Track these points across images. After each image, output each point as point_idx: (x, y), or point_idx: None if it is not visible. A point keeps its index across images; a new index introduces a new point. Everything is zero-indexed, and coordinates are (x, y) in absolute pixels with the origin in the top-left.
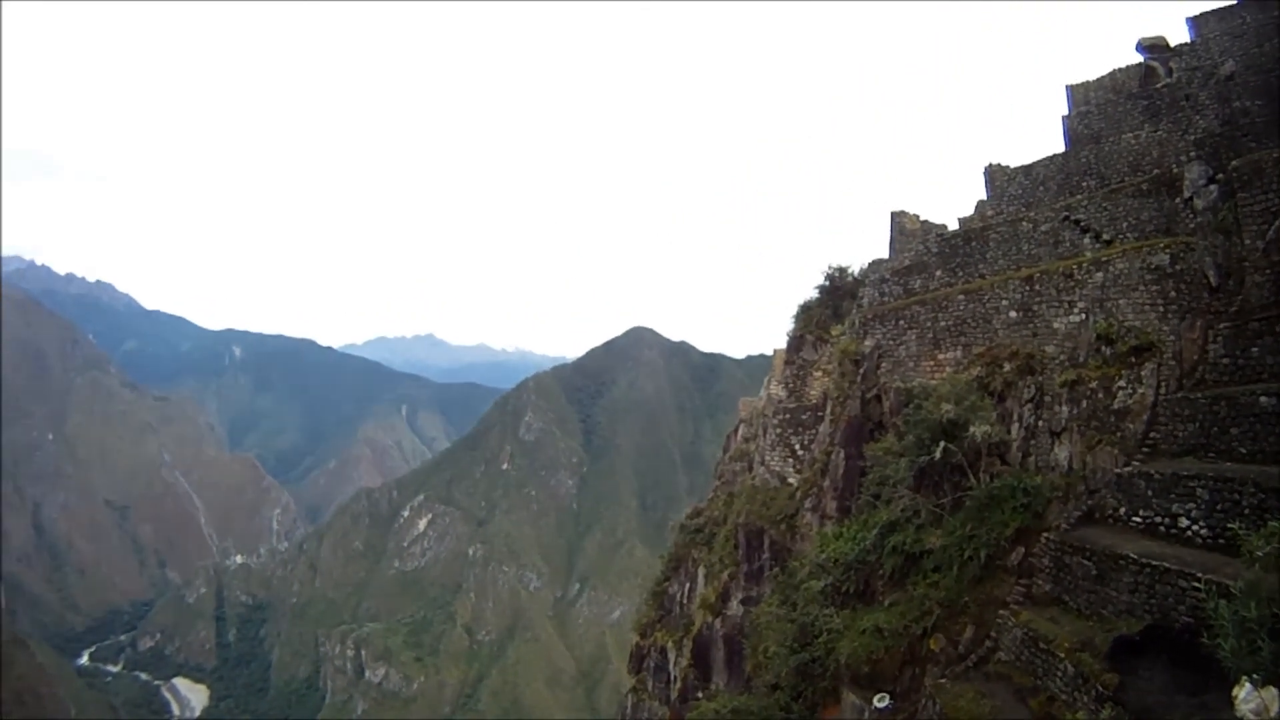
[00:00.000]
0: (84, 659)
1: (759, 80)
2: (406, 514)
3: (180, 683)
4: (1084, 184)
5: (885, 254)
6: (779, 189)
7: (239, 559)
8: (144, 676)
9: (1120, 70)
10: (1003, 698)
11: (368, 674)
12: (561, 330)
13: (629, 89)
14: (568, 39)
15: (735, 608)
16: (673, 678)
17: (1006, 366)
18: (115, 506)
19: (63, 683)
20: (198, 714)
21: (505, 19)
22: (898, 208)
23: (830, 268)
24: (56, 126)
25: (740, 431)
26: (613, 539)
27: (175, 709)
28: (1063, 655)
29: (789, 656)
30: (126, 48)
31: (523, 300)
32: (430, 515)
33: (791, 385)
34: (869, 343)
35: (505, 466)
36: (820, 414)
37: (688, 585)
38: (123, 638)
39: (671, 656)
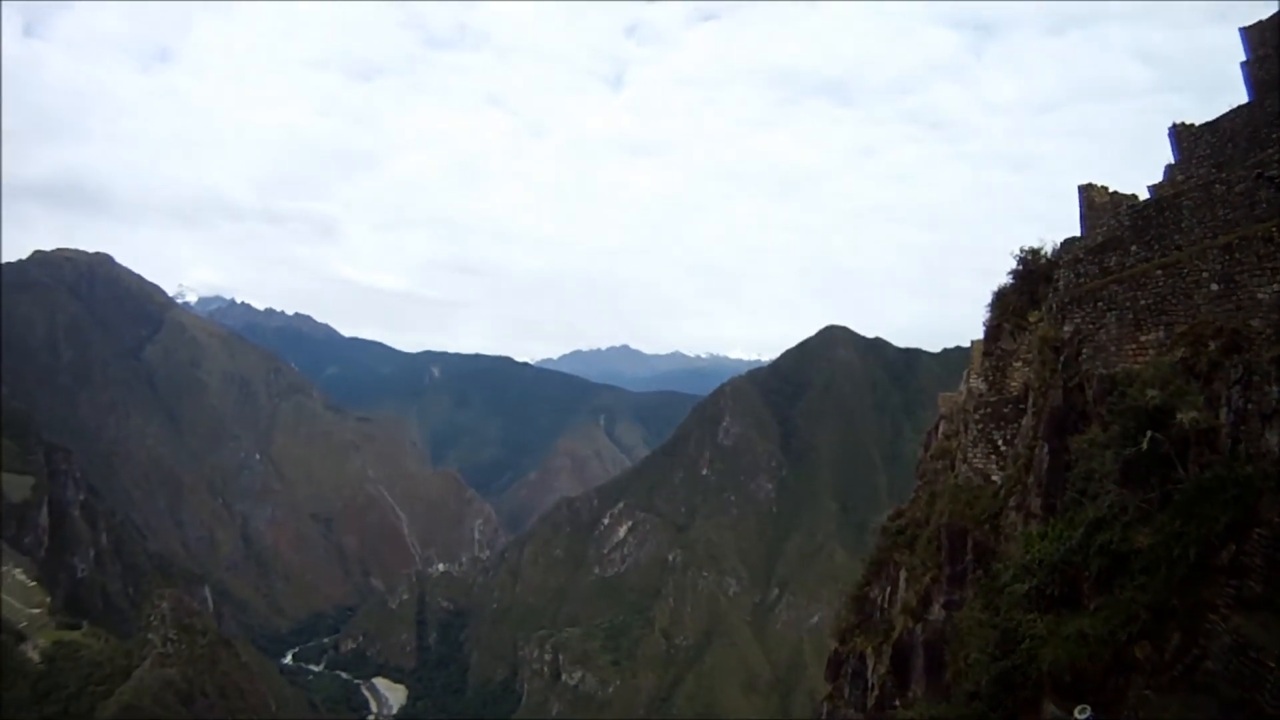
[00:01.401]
0: (288, 659)
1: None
2: (607, 521)
3: (379, 682)
4: (1273, 136)
5: (1077, 232)
6: (966, 163)
7: (441, 567)
8: (345, 675)
9: None
10: (1208, 711)
11: (564, 677)
12: (754, 333)
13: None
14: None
15: (937, 612)
16: (870, 685)
17: (1211, 345)
18: (320, 519)
19: (265, 679)
20: (395, 711)
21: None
22: (1085, 180)
23: (1022, 250)
24: (235, 170)
25: (940, 428)
26: (812, 543)
27: (374, 706)
28: (1273, 665)
29: (990, 664)
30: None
31: (712, 305)
32: (630, 522)
33: (991, 377)
34: (1068, 328)
35: (704, 472)
36: (1022, 406)
37: (888, 589)
38: (326, 640)
39: (870, 663)
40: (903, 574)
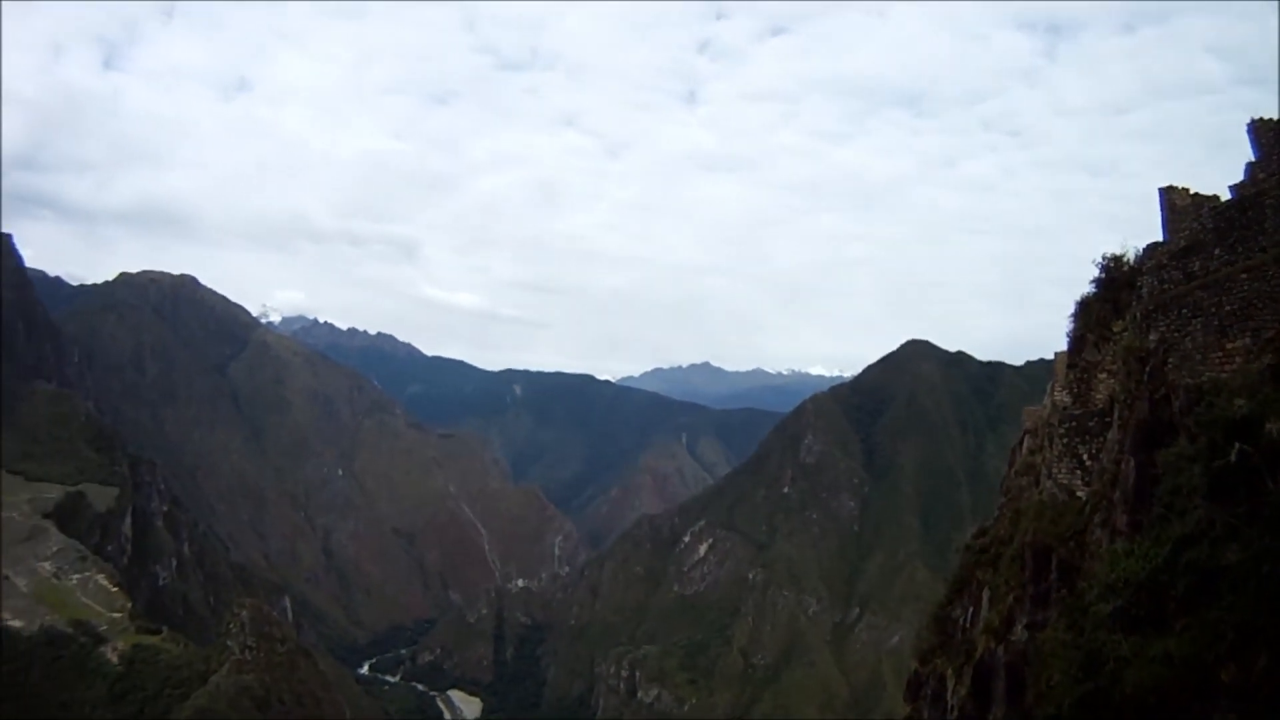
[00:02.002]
0: (364, 669)
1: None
2: (687, 539)
3: (455, 694)
4: None
5: (1160, 236)
6: (1045, 169)
7: (521, 583)
8: (420, 687)
9: None
10: None
11: (640, 694)
12: (835, 348)
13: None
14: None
15: (1019, 633)
16: (949, 707)
17: None
18: (402, 534)
19: (342, 688)
20: None
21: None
22: (1167, 182)
23: (1104, 257)
24: (316, 194)
25: (1025, 443)
26: (894, 561)
27: (448, 717)
28: None
29: (1072, 687)
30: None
31: (793, 321)
32: (711, 540)
33: (1075, 390)
34: (1152, 337)
35: (786, 490)
36: (1108, 419)
37: (971, 609)
38: (403, 652)
39: (950, 685)
40: (985, 593)
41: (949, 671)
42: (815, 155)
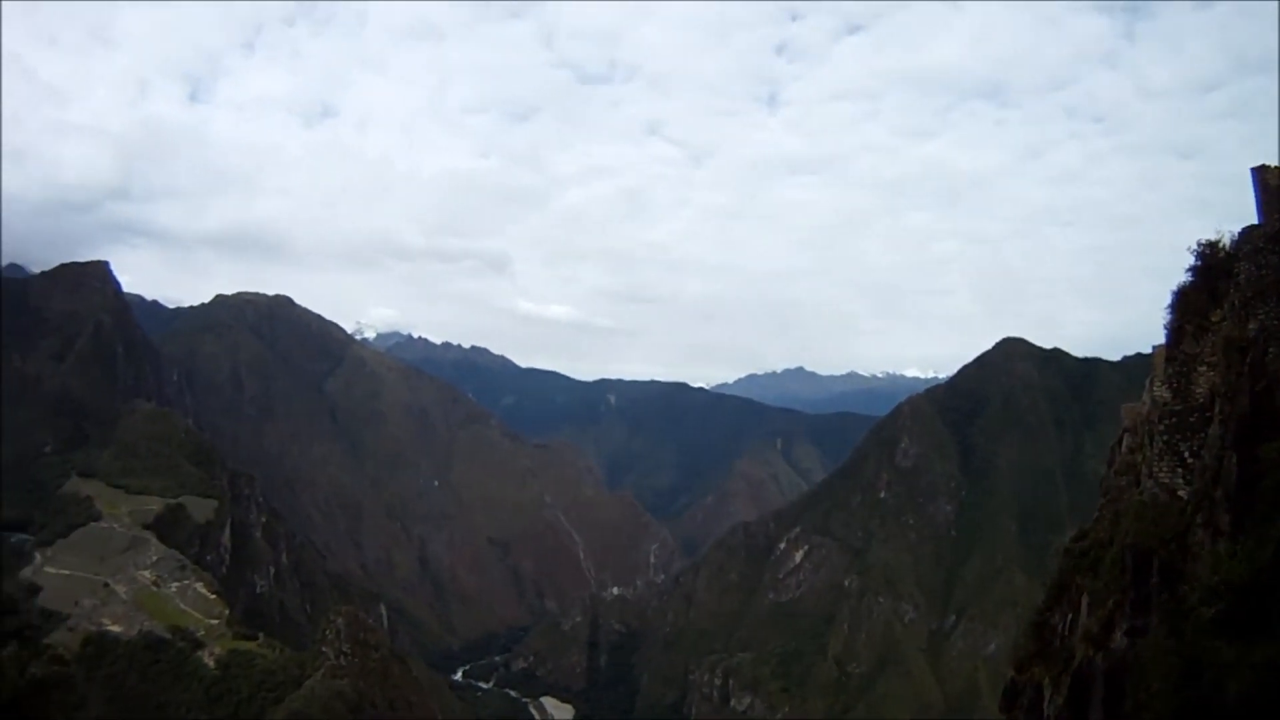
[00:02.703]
0: (458, 675)
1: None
2: (783, 546)
3: (547, 700)
4: None
5: (1255, 218)
6: (1132, 155)
7: (615, 590)
8: (513, 693)
9: None
10: None
11: (733, 702)
12: (929, 349)
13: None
14: None
15: (1119, 640)
16: (1046, 717)
17: None
18: (497, 543)
19: (435, 694)
20: None
21: None
22: (1259, 162)
23: (1199, 244)
24: (404, 214)
25: (1125, 442)
26: (991, 566)
27: None
28: None
29: (1172, 695)
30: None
31: (886, 323)
32: (807, 547)
33: (1175, 384)
34: (1252, 326)
35: (882, 495)
36: (1209, 414)
37: (1070, 615)
38: (497, 659)
39: (1047, 694)
40: (1085, 599)
41: (1046, 680)
42: (899, 152)
